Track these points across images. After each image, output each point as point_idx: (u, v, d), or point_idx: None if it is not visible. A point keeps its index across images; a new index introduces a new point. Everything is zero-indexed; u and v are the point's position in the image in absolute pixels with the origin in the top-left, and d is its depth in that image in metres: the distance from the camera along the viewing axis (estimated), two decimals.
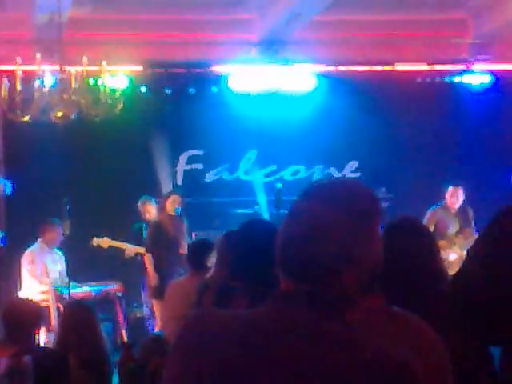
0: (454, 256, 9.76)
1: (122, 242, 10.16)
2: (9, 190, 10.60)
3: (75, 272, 9.69)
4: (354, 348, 1.80)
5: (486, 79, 11.72)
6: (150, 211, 10.35)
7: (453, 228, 9.80)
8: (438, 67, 11.78)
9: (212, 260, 6.51)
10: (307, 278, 1.85)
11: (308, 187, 1.96)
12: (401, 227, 3.53)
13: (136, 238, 10.20)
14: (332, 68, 11.63)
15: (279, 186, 10.41)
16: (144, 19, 10.47)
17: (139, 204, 10.39)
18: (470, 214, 10.21)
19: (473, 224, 10.14)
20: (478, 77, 11.73)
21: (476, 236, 9.32)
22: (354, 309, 1.89)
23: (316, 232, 1.85)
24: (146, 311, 10.13)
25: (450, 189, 10.19)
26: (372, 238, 1.89)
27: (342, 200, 1.89)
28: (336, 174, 11.99)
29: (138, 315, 10.23)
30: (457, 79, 11.77)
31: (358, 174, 11.94)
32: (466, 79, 11.76)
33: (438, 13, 10.87)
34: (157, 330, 8.53)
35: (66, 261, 9.90)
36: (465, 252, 9.79)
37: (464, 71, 11.74)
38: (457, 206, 10.19)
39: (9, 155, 10.91)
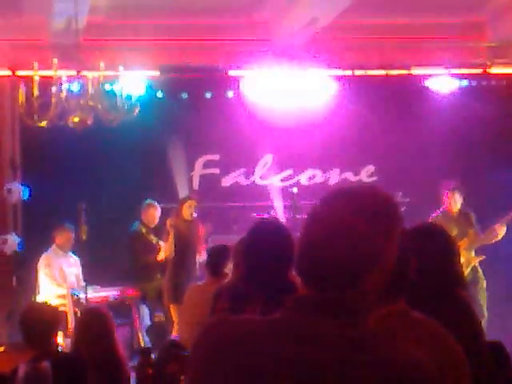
0: (461, 259, 9.71)
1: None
2: (26, 195, 10.64)
3: (92, 276, 9.71)
4: (374, 354, 1.80)
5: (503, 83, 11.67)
6: (154, 215, 10.38)
7: (454, 232, 9.74)
8: (455, 71, 11.73)
9: (230, 265, 6.53)
10: (327, 284, 1.85)
11: (327, 193, 1.96)
12: (420, 231, 3.51)
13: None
14: (348, 72, 11.61)
15: (295, 190, 10.39)
16: (161, 24, 10.49)
17: (144, 207, 10.40)
18: (472, 216, 10.16)
19: (476, 226, 10.12)
20: (494, 80, 11.67)
21: (481, 237, 9.16)
22: (373, 314, 1.89)
23: (335, 238, 1.85)
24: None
25: (447, 193, 10.16)
26: (391, 242, 1.89)
27: (362, 206, 1.89)
28: (352, 179, 11.95)
29: (161, 319, 10.22)
30: (474, 83, 11.72)
31: (374, 179, 11.90)
32: (483, 83, 11.70)
33: (456, 16, 10.83)
34: (174, 334, 8.53)
35: (83, 265, 9.94)
36: (472, 253, 9.68)
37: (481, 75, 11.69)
38: (455, 209, 10.14)
39: (26, 160, 10.94)
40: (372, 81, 11.68)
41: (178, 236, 9.90)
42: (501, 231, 10.00)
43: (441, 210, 10.20)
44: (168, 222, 9.96)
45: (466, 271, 9.31)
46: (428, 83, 11.65)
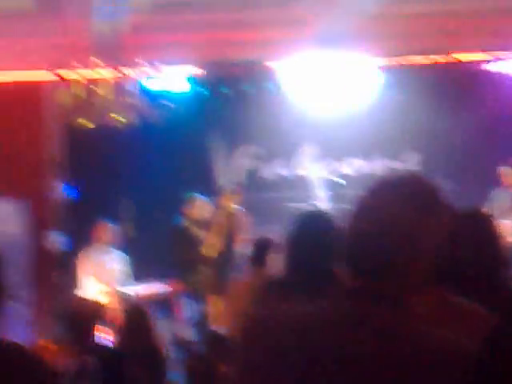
0: None
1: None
2: (71, 194, 10.76)
3: (136, 271, 9.79)
4: (419, 340, 1.82)
5: None
6: (198, 209, 10.42)
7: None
8: (501, 56, 11.55)
9: (273, 257, 6.54)
10: (373, 273, 1.87)
11: (372, 183, 1.97)
12: (465, 216, 3.48)
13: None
14: (392, 61, 11.53)
15: (338, 180, 10.36)
16: (201, 20, 10.50)
17: (187, 201, 10.44)
18: None
19: None
20: None
21: None
22: (418, 301, 1.90)
23: (382, 227, 1.87)
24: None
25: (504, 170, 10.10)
26: (437, 231, 1.90)
27: (407, 194, 1.90)
28: (398, 167, 11.87)
29: (205, 311, 10.25)
30: None
31: (420, 167, 11.81)
32: None
33: (500, 1, 10.67)
34: (218, 326, 8.57)
35: (128, 261, 10.03)
36: None
37: None
38: None
39: (72, 160, 11.07)
40: (416, 68, 11.58)
41: (220, 228, 9.94)
42: None
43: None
44: (214, 214, 9.99)
45: None
46: (477, 69, 11.50)
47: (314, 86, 11.17)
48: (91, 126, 8.73)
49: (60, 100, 8.63)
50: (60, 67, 10.51)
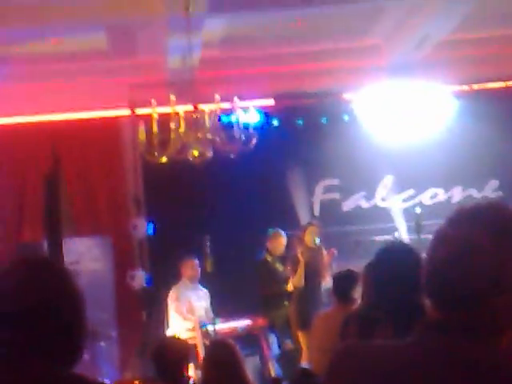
0: None
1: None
2: (151, 230, 10.86)
3: (219, 307, 9.80)
4: (505, 377, 1.76)
5: None
6: (280, 243, 10.40)
7: None
8: None
9: (358, 291, 6.47)
10: (457, 306, 1.83)
11: (452, 212, 1.93)
12: None
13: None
14: (466, 87, 11.42)
15: (418, 210, 10.25)
16: (272, 53, 10.58)
17: (269, 236, 10.43)
18: None
19: None
20: None
21: None
22: (506, 336, 1.84)
23: (463, 257, 1.82)
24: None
25: None
26: None
27: (488, 224, 1.85)
28: (476, 195, 11.70)
29: (290, 347, 10.21)
30: None
31: (499, 194, 11.62)
32: None
33: None
34: (304, 362, 8.51)
35: (211, 296, 10.06)
36: None
37: None
38: None
39: (149, 196, 11.18)
40: (491, 94, 11.45)
41: (304, 263, 9.92)
42: None
43: None
44: (299, 250, 9.99)
45: None
46: None
47: (390, 115, 11.11)
48: (168, 162, 8.80)
49: (138, 137, 8.73)
50: (136, 104, 10.68)
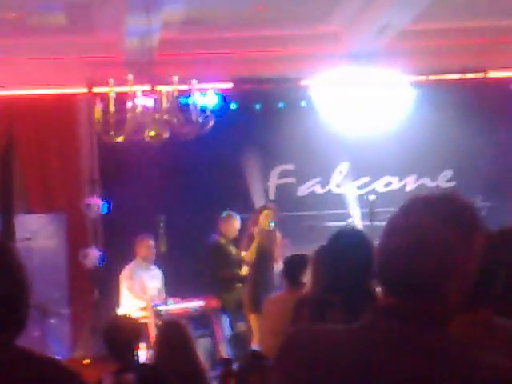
0: None
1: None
2: (105, 209, 10.81)
3: (172, 288, 9.80)
4: (455, 362, 1.79)
5: None
6: (234, 226, 10.41)
7: None
8: None
9: (308, 275, 6.53)
10: (408, 292, 1.85)
11: (405, 201, 1.96)
12: (502, 238, 3.44)
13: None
14: (423, 78, 11.51)
15: (372, 197, 10.33)
16: (232, 37, 10.56)
17: (223, 219, 10.43)
18: None
19: None
20: None
21: None
22: (455, 322, 1.88)
23: (417, 246, 1.85)
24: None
25: None
26: (471, 250, 1.88)
27: (442, 213, 1.88)
28: (430, 184, 11.81)
29: (242, 329, 10.23)
30: None
31: (452, 183, 11.76)
32: None
33: None
34: (255, 344, 8.56)
35: (164, 277, 10.05)
36: None
37: None
38: None
39: (104, 176, 11.12)
40: (448, 85, 11.56)
41: (257, 245, 9.94)
42: None
43: None
44: (255, 228, 10.00)
45: None
46: (504, 86, 11.48)
47: (348, 102, 11.16)
48: (124, 141, 8.76)
49: (94, 116, 8.68)
50: (93, 83, 10.60)
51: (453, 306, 1.87)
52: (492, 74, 11.58)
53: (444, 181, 11.85)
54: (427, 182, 11.88)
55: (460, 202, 1.93)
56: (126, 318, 5.93)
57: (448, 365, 1.77)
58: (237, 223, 10.47)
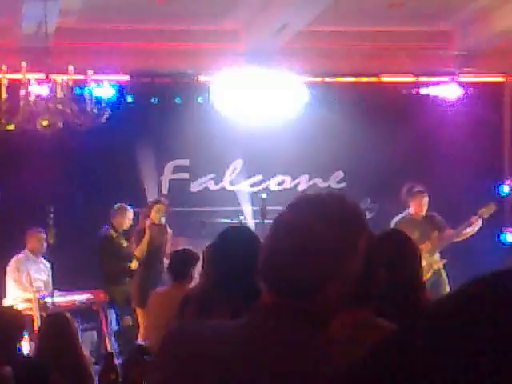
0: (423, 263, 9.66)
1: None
2: None
3: (59, 280, 9.66)
4: (336, 361, 1.77)
5: (468, 91, 11.85)
6: (125, 219, 10.33)
7: (416, 235, 9.45)
8: (423, 79, 11.87)
9: (194, 271, 6.56)
10: (290, 291, 1.85)
11: (293, 199, 1.95)
12: (389, 239, 3.53)
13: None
14: (318, 79, 11.68)
15: (264, 196, 10.42)
16: (131, 29, 10.48)
17: (115, 211, 10.33)
18: (437, 219, 10.07)
19: (444, 227, 10.03)
20: (459, 88, 11.84)
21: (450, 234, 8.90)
22: (337, 322, 1.89)
23: (300, 245, 1.84)
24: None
25: (416, 196, 10.11)
26: (356, 251, 1.89)
27: (327, 214, 1.88)
28: (321, 185, 11.99)
29: (129, 323, 10.16)
30: (440, 91, 11.86)
31: (343, 185, 11.96)
32: (449, 91, 11.85)
33: (424, 25, 10.93)
34: (140, 339, 8.52)
35: (52, 269, 9.89)
36: (435, 257, 9.56)
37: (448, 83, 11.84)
38: (421, 213, 10.09)
39: None
40: (342, 87, 11.77)
41: (147, 240, 9.89)
42: (476, 224, 9.93)
43: (405, 213, 10.13)
44: (147, 222, 9.94)
45: (428, 275, 9.27)
46: (397, 90, 11.76)
47: (244, 100, 11.21)
48: (15, 129, 8.59)
49: None
50: None
51: (334, 306, 1.87)
52: (385, 79, 11.84)
53: (335, 182, 12.05)
54: (319, 182, 12.06)
55: (345, 204, 1.92)
56: (9, 310, 5.82)
57: (329, 366, 1.76)
58: (129, 216, 10.40)
